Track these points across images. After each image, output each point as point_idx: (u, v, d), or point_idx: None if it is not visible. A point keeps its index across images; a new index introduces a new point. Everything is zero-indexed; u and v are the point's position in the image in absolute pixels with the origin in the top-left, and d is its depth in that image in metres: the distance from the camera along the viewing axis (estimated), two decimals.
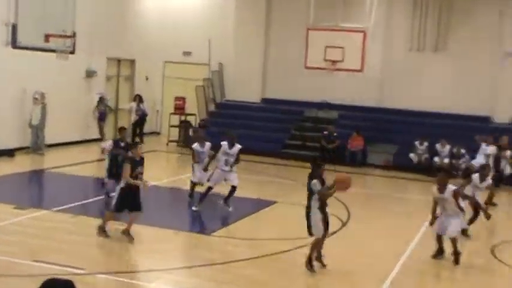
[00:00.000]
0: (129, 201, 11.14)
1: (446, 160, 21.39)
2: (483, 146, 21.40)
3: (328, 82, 24.14)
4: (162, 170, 20.35)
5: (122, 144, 13.82)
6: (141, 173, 11.25)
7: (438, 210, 11.13)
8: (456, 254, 10.83)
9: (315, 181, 9.91)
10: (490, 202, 15.98)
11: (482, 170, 13.66)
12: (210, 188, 14.21)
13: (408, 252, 11.75)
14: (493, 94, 23.29)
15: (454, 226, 10.92)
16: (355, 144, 22.53)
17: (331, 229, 12.99)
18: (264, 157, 21.33)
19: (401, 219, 15.01)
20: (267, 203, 15.27)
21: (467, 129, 22.37)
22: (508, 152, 19.11)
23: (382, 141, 22.97)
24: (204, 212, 14.60)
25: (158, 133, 27.34)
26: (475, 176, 13.32)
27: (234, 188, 14.15)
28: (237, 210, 14.03)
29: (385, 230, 13.59)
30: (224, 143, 14.29)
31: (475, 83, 23.50)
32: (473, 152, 21.34)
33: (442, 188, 10.89)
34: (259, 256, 10.88)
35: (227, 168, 14.15)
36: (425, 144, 21.82)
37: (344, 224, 13.62)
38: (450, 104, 23.38)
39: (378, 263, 10.93)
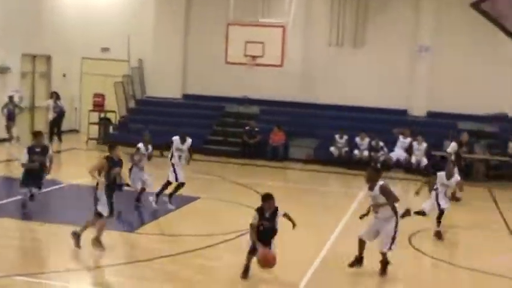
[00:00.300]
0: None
1: (365, 153, 21.83)
2: (401, 138, 22.00)
3: (249, 77, 24.15)
4: (83, 169, 19.83)
5: (38, 149, 12.89)
6: (119, 174, 10.89)
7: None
8: (384, 265, 10.13)
9: (255, 214, 9.60)
10: (453, 197, 15.93)
11: (448, 167, 13.29)
12: (182, 184, 14.18)
13: (329, 245, 11.91)
14: (410, 88, 23.90)
15: (385, 236, 9.93)
16: (277, 139, 22.68)
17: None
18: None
19: (322, 212, 15.19)
20: (190, 199, 15.13)
21: (386, 123, 22.93)
22: (464, 148, 18.75)
23: (303, 136, 23.21)
24: (126, 210, 14.34)
25: (77, 131, 26.74)
26: (441, 174, 13.02)
27: (182, 185, 14.15)
28: (159, 207, 13.86)
29: (306, 223, 13.63)
30: (175, 138, 14.20)
31: (392, 77, 24.03)
32: (391, 145, 21.91)
33: (371, 185, 10.01)
34: (181, 252, 10.79)
35: (181, 163, 14.16)
36: (345, 137, 22.18)
37: None
38: (369, 98, 23.84)
39: (299, 256, 11.01)
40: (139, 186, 14.09)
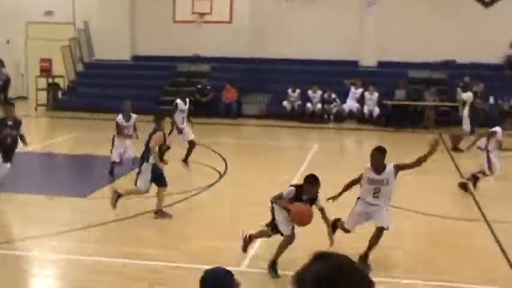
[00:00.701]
0: (159, 177, 10.62)
1: (318, 106, 21.93)
2: (352, 89, 22.16)
3: (198, 35, 23.92)
4: (33, 136, 19.47)
5: (10, 122, 11.61)
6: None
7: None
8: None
9: (291, 190, 8.15)
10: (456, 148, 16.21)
11: (503, 122, 12.57)
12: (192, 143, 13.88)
13: None
14: (360, 39, 23.92)
15: (387, 213, 8.67)
16: (229, 96, 22.59)
17: (210, 181, 13.09)
18: (138, 115, 20.88)
19: (278, 166, 15.24)
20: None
21: (337, 74, 23.01)
22: (479, 100, 18.33)
23: (255, 92, 23.18)
24: (78, 175, 14.21)
25: (25, 98, 26.18)
26: (499, 130, 12.26)
27: (192, 143, 13.85)
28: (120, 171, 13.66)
29: (263, 178, 13.76)
30: (179, 101, 13.86)
31: (342, 29, 23.94)
32: (343, 96, 22.06)
33: (380, 169, 8.53)
34: (139, 214, 10.74)
35: (184, 125, 13.82)
36: (298, 91, 22.22)
37: (222, 176, 13.69)
38: (319, 51, 23.75)
39: (258, 210, 11.03)
40: (117, 158, 13.31)
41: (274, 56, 24.06)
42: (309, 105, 22.00)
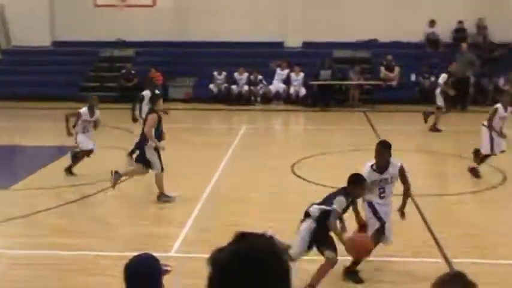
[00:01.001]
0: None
1: (245, 88, 21.92)
2: (278, 70, 22.26)
3: (122, 19, 23.45)
4: None
5: None
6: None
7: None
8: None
9: (342, 200, 7.31)
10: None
11: (505, 98, 12.45)
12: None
13: (214, 181, 11.97)
14: (284, 20, 23.93)
15: (390, 224, 8.08)
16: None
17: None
18: (61, 102, 20.37)
19: (206, 150, 15.19)
20: (66, 150, 14.63)
21: (263, 56, 23.04)
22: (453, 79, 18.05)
23: (181, 75, 22.97)
24: None
25: None
26: (499, 106, 12.16)
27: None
28: (36, 160, 13.33)
29: (191, 163, 13.69)
30: (147, 93, 13.49)
31: (266, 10, 23.93)
32: (270, 78, 22.15)
33: (383, 166, 7.79)
34: (63, 204, 10.49)
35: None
36: (224, 73, 22.14)
37: None
38: (245, 32, 23.68)
39: (186, 193, 11.03)
40: (90, 146, 12.57)
41: (199, 38, 23.86)
42: (235, 87, 21.96)
